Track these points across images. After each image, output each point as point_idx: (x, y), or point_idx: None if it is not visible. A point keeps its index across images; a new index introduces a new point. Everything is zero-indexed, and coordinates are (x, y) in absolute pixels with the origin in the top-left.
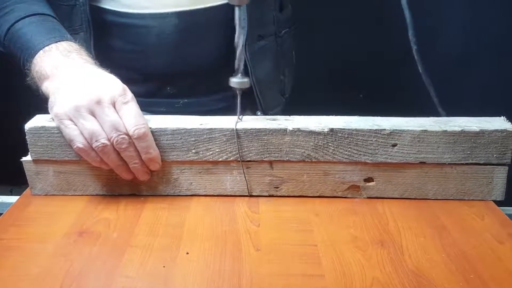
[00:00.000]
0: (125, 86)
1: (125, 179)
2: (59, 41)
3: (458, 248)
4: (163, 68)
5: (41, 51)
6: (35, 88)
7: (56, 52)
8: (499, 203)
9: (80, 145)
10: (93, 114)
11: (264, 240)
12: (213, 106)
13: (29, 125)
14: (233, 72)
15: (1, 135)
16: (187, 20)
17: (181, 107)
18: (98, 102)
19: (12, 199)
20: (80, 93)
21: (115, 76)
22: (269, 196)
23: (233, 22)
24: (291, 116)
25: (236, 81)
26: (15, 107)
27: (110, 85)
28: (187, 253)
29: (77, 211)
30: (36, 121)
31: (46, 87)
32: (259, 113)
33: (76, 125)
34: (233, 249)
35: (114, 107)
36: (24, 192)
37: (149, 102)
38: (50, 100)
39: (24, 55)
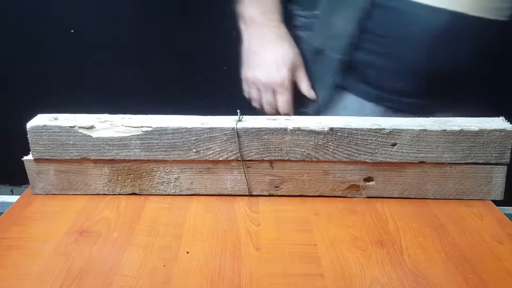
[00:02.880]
0: None
1: None
2: None
3: (457, 248)
4: (417, 64)
5: None
6: None
7: None
8: (498, 203)
9: None
10: None
11: (264, 240)
12: None
13: (30, 124)
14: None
15: (2, 135)
16: (458, 22)
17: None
18: None
19: (13, 198)
20: None
21: None
22: (269, 195)
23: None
24: (291, 116)
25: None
26: (16, 107)
27: None
28: (187, 253)
29: (78, 211)
30: (38, 120)
31: None
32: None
33: None
34: (233, 248)
35: None
36: (25, 191)
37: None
38: None
39: None
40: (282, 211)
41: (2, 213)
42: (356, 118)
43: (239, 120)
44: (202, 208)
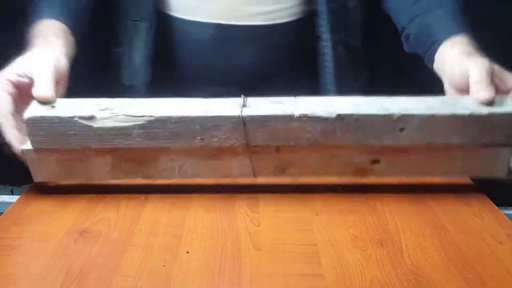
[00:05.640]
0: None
1: None
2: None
3: (457, 248)
4: (198, 74)
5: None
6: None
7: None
8: (498, 203)
9: None
10: None
11: (264, 240)
12: None
13: (27, 114)
14: (264, 89)
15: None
16: (224, 33)
17: None
18: None
19: (13, 198)
20: None
21: None
22: (275, 177)
23: (269, 42)
24: (296, 98)
25: None
26: None
27: None
28: (188, 252)
29: (78, 211)
30: (35, 110)
31: None
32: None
33: None
34: (233, 248)
35: None
36: (25, 191)
37: None
38: None
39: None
40: (282, 211)
41: (2, 213)
42: (363, 100)
43: (244, 105)
44: (202, 208)
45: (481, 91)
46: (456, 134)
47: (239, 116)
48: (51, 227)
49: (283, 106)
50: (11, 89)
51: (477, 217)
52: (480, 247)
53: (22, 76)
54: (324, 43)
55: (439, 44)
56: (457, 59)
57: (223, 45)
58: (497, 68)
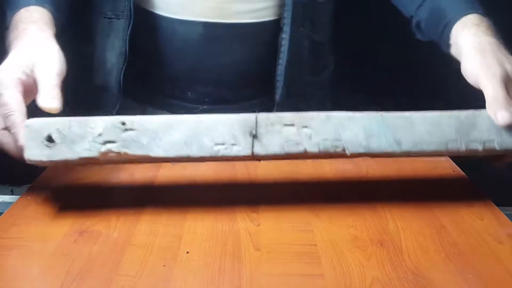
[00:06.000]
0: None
1: None
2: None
3: (457, 248)
4: (186, 73)
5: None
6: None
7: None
8: (498, 203)
9: None
10: None
11: (264, 240)
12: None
13: (27, 156)
14: (252, 87)
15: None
16: (212, 31)
17: (199, 113)
18: None
19: (13, 198)
20: None
21: None
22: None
23: (257, 40)
24: (307, 121)
25: None
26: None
27: None
28: (187, 253)
29: (78, 211)
30: (35, 155)
31: None
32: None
33: None
34: (233, 248)
35: None
36: (25, 191)
37: (172, 104)
38: None
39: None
40: (282, 211)
41: (2, 213)
42: (377, 130)
43: (254, 136)
44: (202, 208)
45: (499, 111)
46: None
47: (250, 154)
48: (51, 227)
49: (295, 139)
50: (22, 89)
51: (477, 217)
52: (480, 247)
53: (29, 76)
54: (283, 35)
55: (450, 27)
56: (469, 54)
57: (210, 43)
58: (510, 69)
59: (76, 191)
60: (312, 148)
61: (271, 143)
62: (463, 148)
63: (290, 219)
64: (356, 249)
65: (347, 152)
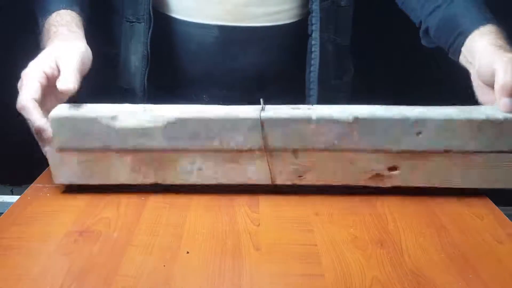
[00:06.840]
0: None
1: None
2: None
3: (457, 248)
4: (201, 76)
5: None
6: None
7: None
8: (498, 203)
9: None
10: None
11: (264, 240)
12: None
13: (53, 114)
14: (267, 90)
15: (2, 135)
16: (228, 34)
17: None
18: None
19: (13, 198)
20: None
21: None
22: (293, 184)
23: (273, 43)
24: (313, 106)
25: None
26: (16, 107)
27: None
28: (188, 253)
29: (78, 211)
30: (60, 111)
31: None
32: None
33: None
34: (233, 248)
35: None
36: (25, 192)
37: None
38: None
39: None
40: (282, 211)
41: (2, 213)
42: (380, 107)
43: (262, 110)
44: (202, 208)
45: (503, 98)
46: (473, 139)
47: (257, 118)
48: (51, 227)
49: (300, 111)
50: (43, 81)
51: (477, 217)
52: (480, 247)
53: (53, 68)
54: (313, 42)
55: (466, 36)
56: (485, 50)
57: (226, 46)
58: None
59: (77, 191)
60: (316, 115)
61: (277, 113)
62: None
63: (290, 219)
64: (356, 249)
65: (350, 118)
